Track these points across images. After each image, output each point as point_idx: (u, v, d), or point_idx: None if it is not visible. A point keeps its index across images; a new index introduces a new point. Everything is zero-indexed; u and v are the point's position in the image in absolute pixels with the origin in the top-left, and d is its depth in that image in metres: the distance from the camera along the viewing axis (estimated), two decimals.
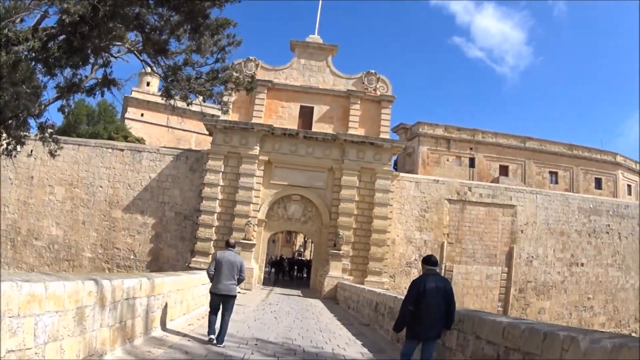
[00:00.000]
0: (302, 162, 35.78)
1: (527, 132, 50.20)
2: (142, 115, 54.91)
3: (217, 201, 35.03)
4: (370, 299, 18.99)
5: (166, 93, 20.31)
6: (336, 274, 31.06)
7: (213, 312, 11.55)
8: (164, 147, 39.92)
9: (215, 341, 11.00)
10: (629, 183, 52.09)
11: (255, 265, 32.36)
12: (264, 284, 35.76)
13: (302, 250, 72.79)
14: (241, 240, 31.09)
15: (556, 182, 47.98)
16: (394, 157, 38.93)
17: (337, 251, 31.46)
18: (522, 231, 38.66)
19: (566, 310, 39.29)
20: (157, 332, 11.27)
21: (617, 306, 40.90)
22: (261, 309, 20.94)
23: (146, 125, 53.89)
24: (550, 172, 48.54)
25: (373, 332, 16.13)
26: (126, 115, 54.40)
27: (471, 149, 47.46)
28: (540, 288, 38.77)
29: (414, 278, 9.27)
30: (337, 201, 35.25)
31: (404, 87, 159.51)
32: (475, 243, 37.81)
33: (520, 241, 38.54)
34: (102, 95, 20.05)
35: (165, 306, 12.06)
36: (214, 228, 34.72)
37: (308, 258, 57.33)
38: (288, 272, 48.17)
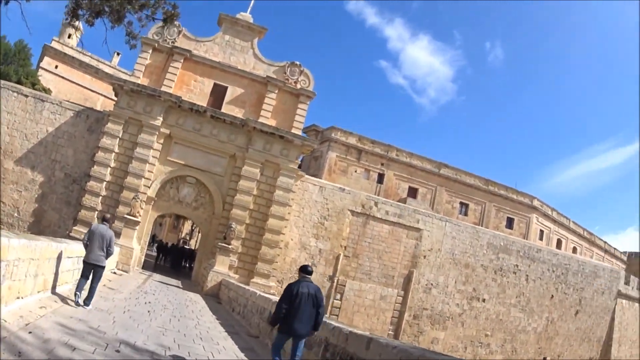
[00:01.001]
0: (204, 143, 31.93)
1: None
2: (56, 67, 49.47)
3: (109, 169, 30.75)
4: (262, 306, 15.53)
5: (73, 11, 17.11)
6: (222, 269, 26.98)
7: (84, 277, 12.15)
8: (68, 101, 35.36)
9: (82, 304, 11.71)
10: (542, 229, 50.03)
11: (136, 245, 28.37)
12: (143, 267, 31.56)
13: (187, 238, 67.30)
14: (125, 216, 27.28)
15: (465, 214, 45.36)
16: (301, 157, 35.76)
17: (227, 245, 27.39)
18: (424, 256, 36.05)
19: (461, 344, 37.02)
20: None
21: (515, 347, 39.03)
22: (134, 297, 17.42)
23: (57, 79, 48.54)
24: (461, 203, 45.88)
25: (264, 349, 12.72)
26: (41, 64, 49.19)
27: (382, 164, 44.14)
28: (437, 317, 36.27)
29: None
30: (234, 191, 31.62)
31: (320, 91, 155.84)
32: (374, 261, 34.88)
33: (421, 266, 35.90)
34: (7, 3, 16.86)
35: (10, 279, 8.49)
36: (100, 197, 30.46)
37: (192, 247, 52.90)
38: (170, 260, 43.01)
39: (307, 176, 35.05)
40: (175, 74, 32.75)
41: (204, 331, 13.76)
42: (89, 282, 12.17)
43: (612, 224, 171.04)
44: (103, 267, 12.43)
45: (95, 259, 12.00)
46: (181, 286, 27.39)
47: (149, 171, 31.10)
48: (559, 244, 53.95)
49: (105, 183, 30.66)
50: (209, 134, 32.05)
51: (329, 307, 33.57)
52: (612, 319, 44.13)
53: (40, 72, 47.56)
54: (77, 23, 52.52)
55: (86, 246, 12.10)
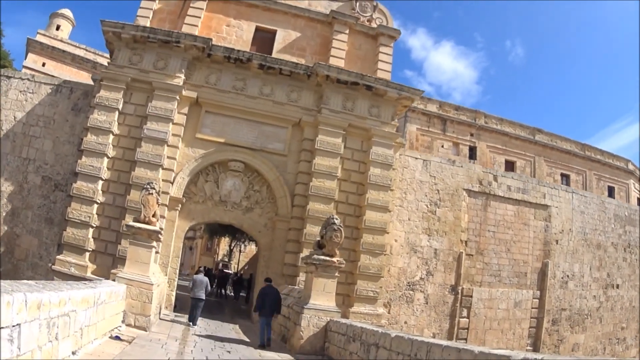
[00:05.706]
0: (252, 107, 16.77)
1: None
2: (43, 65, 33.04)
3: (106, 160, 15.68)
4: None
5: None
6: (325, 303, 11.67)
7: (192, 309, 13.33)
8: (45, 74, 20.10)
9: (191, 324, 13.11)
10: (639, 196, 35.52)
11: (158, 276, 13.40)
12: (175, 310, 16.15)
13: (226, 260, 44.35)
14: (131, 223, 11.62)
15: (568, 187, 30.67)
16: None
17: (329, 258, 11.77)
18: (557, 241, 21.22)
19: (600, 345, 22.64)
20: None
21: None
22: None
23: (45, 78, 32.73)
24: (562, 175, 30.43)
25: None
26: (24, 63, 32.78)
27: (472, 135, 28.59)
28: (575, 317, 21.50)
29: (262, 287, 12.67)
30: (306, 176, 16.48)
31: None
32: (502, 256, 19.86)
33: (554, 255, 21.00)
34: None
35: None
36: (96, 206, 15.32)
37: (234, 272, 35.70)
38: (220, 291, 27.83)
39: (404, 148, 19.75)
40: (199, 17, 17.74)
41: None
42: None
43: None
44: (203, 300, 13.46)
45: (198, 295, 13.25)
46: (248, 340, 12.35)
47: (169, 157, 15.99)
48: None
49: (101, 183, 15.52)
50: (257, 93, 16.92)
51: (455, 329, 18.84)
52: None
53: (24, 72, 32.00)
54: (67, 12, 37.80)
55: (191, 289, 13.54)
